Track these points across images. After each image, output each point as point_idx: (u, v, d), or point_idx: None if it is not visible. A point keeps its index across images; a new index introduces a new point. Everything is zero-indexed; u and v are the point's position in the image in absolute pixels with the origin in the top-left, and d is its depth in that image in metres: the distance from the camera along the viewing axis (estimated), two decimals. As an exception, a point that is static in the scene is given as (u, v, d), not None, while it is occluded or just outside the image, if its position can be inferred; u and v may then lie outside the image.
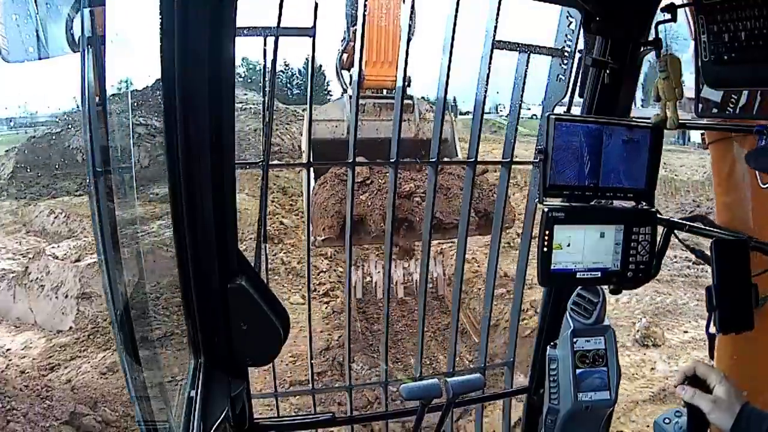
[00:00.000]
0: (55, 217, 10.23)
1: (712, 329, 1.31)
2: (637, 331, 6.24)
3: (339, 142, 5.54)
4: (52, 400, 4.67)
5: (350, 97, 5.84)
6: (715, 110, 1.56)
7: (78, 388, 5.18)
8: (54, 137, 12.56)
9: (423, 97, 6.73)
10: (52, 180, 11.93)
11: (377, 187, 5.71)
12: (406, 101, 5.80)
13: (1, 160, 12.86)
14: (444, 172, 5.74)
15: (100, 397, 5.05)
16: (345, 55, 6.49)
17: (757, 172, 1.62)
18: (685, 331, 6.32)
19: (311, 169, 2.08)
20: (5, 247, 9.31)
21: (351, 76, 6.38)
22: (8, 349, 6.44)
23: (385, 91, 6.54)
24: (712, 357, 1.45)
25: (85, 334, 6.64)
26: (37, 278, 7.57)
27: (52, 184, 11.82)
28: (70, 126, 12.62)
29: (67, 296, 7.21)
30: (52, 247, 8.37)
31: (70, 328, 6.85)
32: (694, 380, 1.11)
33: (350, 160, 2.06)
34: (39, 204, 10.94)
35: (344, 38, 6.37)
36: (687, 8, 1.43)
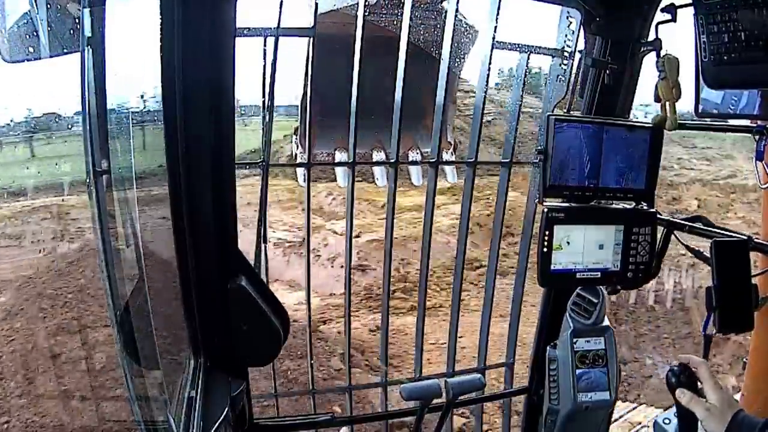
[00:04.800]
0: (333, 199, 10.88)
1: (711, 329, 1.31)
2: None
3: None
4: (326, 342, 5.76)
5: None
6: (715, 110, 1.56)
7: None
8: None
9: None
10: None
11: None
12: None
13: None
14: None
15: (367, 348, 5.90)
16: None
17: (759, 173, 1.62)
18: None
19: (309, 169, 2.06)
20: (281, 221, 9.99)
21: None
22: (284, 302, 6.97)
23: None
24: (706, 357, 1.45)
25: (358, 299, 7.42)
26: (313, 249, 8.16)
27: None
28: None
29: (342, 266, 8.37)
30: (332, 224, 9.38)
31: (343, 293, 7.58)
32: (689, 379, 1.10)
33: (350, 160, 2.06)
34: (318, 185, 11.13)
35: None
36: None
